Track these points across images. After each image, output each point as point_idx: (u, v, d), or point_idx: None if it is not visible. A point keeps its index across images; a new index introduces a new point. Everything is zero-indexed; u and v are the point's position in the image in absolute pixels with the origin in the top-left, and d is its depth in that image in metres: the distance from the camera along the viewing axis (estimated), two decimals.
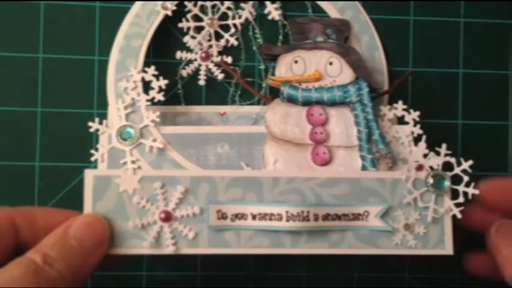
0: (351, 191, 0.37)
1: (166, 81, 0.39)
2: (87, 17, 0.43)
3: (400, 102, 0.40)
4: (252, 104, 0.43)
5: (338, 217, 0.37)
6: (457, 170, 0.38)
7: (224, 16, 0.43)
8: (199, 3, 0.42)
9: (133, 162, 0.38)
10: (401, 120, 0.40)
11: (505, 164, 0.45)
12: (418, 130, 0.39)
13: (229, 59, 0.43)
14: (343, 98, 0.38)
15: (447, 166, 0.38)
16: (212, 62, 0.43)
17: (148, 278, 0.43)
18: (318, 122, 0.39)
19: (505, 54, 0.46)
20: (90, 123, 0.38)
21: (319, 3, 0.43)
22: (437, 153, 0.38)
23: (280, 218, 0.36)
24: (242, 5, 0.43)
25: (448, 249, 0.37)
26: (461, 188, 0.37)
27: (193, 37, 0.43)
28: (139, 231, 0.36)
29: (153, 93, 0.39)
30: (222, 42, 0.43)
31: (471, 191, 0.37)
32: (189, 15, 0.42)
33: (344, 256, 0.37)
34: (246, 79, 0.43)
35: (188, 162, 0.38)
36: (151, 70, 0.39)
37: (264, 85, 0.43)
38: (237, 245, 0.36)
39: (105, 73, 0.42)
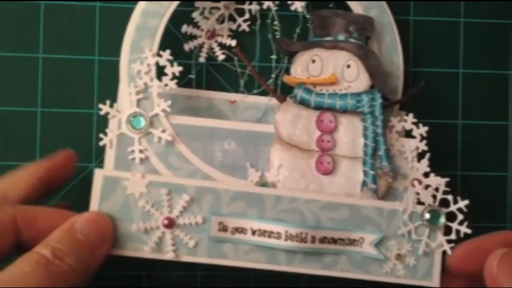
0: (349, 217, 0.38)
1: (180, 68, 0.39)
2: (87, 17, 0.43)
3: (411, 115, 0.40)
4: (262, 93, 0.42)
5: (334, 241, 0.37)
6: (452, 208, 0.38)
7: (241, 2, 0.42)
8: None
9: (141, 151, 0.38)
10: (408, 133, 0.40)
11: (505, 164, 0.46)
12: (423, 146, 0.39)
13: (233, 42, 0.43)
14: (356, 107, 0.38)
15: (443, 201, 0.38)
16: (216, 41, 0.43)
17: (149, 277, 0.43)
18: (326, 129, 0.39)
19: (505, 54, 0.46)
20: (100, 105, 0.38)
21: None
22: (436, 190, 0.38)
23: (279, 236, 0.37)
24: None
25: (435, 282, 0.38)
26: (454, 226, 0.38)
27: (205, 17, 0.42)
28: (141, 235, 0.37)
29: (166, 80, 0.38)
30: (234, 26, 0.43)
31: (464, 229, 0.38)
32: (206, 10, 0.42)
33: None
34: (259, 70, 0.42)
35: (195, 157, 0.38)
36: (166, 55, 0.38)
37: (272, 76, 0.43)
38: (234, 258, 0.37)
39: (105, 73, 0.42)
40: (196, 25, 0.42)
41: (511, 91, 0.46)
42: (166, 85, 0.38)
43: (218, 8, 0.42)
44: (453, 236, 0.38)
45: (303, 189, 0.38)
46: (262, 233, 0.37)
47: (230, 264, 0.37)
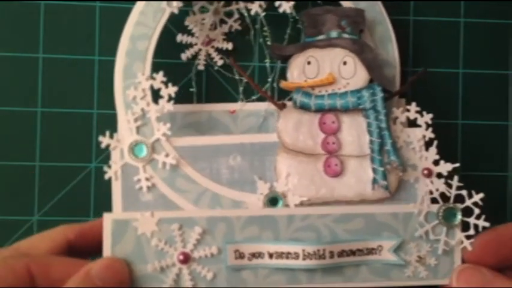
0: (365, 226, 0.37)
1: (175, 88, 0.38)
2: (87, 17, 0.43)
3: (414, 104, 0.39)
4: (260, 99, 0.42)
5: (353, 252, 0.37)
6: (468, 203, 0.37)
7: (228, 3, 0.42)
8: None
9: (147, 179, 0.37)
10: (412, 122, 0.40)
11: (505, 164, 0.45)
12: (430, 134, 0.39)
13: (230, 45, 0.42)
14: (357, 104, 0.38)
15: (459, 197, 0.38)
16: (213, 47, 0.42)
17: None
18: (330, 131, 0.38)
19: (505, 54, 0.46)
20: (100, 138, 0.38)
21: None
22: (449, 186, 0.38)
23: (296, 256, 0.36)
24: None
25: None
26: (472, 221, 0.37)
27: (199, 24, 0.42)
28: (158, 274, 0.36)
29: (162, 102, 0.38)
30: (225, 28, 0.42)
31: (482, 223, 0.37)
32: (195, 8, 0.42)
33: None
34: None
35: (202, 177, 0.38)
36: (160, 77, 0.38)
37: (269, 80, 0.43)
38: (255, 283, 0.37)
39: (105, 73, 0.42)
40: (190, 33, 0.42)
41: (511, 91, 0.46)
42: (163, 108, 0.38)
43: (207, 11, 0.42)
44: (472, 232, 0.37)
45: (313, 195, 0.38)
46: (280, 255, 0.36)
47: None
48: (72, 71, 0.43)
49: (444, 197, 0.38)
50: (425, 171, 0.38)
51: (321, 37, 0.39)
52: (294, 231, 0.37)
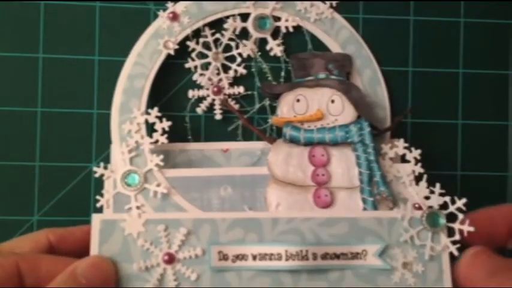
0: (349, 231, 0.38)
1: (169, 123, 0.39)
2: (87, 17, 0.43)
3: (402, 140, 0.40)
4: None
5: (337, 256, 0.37)
6: (451, 209, 0.38)
7: (228, 48, 0.43)
8: (201, 40, 0.42)
9: (138, 207, 0.38)
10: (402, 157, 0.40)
11: (505, 164, 0.45)
12: (419, 169, 0.39)
13: (241, 89, 0.43)
14: (345, 138, 0.39)
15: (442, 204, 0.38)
16: (225, 94, 0.43)
17: None
18: (320, 163, 0.39)
19: (505, 54, 0.46)
20: (94, 169, 0.39)
21: (321, 39, 0.42)
22: (432, 192, 0.38)
23: (279, 257, 0.37)
24: (244, 41, 0.42)
25: (447, 285, 0.37)
26: (456, 226, 0.37)
27: (202, 74, 0.42)
28: (143, 273, 0.37)
29: (156, 136, 0.39)
30: (231, 73, 0.43)
31: (466, 228, 0.37)
32: (193, 54, 0.42)
33: None
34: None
35: (192, 207, 0.38)
36: (155, 112, 0.39)
37: (269, 121, 0.43)
38: (239, 285, 0.37)
39: (105, 73, 0.42)
40: (199, 86, 0.43)
41: (511, 91, 0.46)
42: (157, 141, 0.39)
43: (209, 63, 0.42)
44: (457, 237, 0.37)
45: None
46: (263, 256, 0.37)
47: None
48: (72, 71, 0.43)
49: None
50: (416, 205, 0.38)
51: (309, 78, 0.41)
52: (278, 234, 0.37)
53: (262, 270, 0.37)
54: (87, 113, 0.43)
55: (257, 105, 0.43)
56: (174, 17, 0.41)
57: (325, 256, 0.37)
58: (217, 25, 0.42)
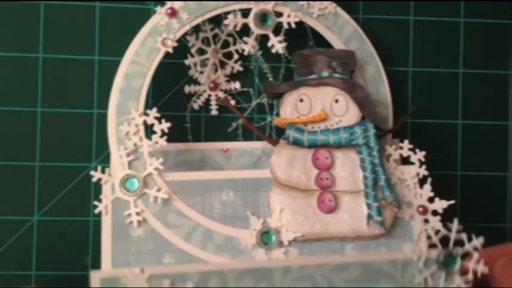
0: (362, 274, 0.37)
1: (168, 124, 0.38)
2: (87, 17, 0.43)
3: (406, 141, 0.39)
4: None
5: None
6: (468, 247, 0.37)
7: (226, 44, 0.43)
8: (201, 35, 0.42)
9: (137, 213, 0.37)
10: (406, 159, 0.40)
11: (505, 164, 0.45)
12: (423, 171, 0.39)
13: (237, 84, 0.43)
14: (350, 140, 0.38)
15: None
16: (221, 90, 0.43)
17: None
18: (323, 167, 0.38)
19: (505, 54, 0.46)
20: (92, 173, 0.38)
21: (324, 35, 0.41)
22: (449, 230, 0.37)
23: None
24: (245, 38, 0.41)
25: None
26: (471, 265, 0.37)
27: (201, 72, 0.42)
28: None
29: (155, 137, 0.38)
30: (228, 69, 0.43)
31: (481, 268, 0.37)
32: (193, 50, 0.42)
33: None
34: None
35: (194, 212, 0.38)
36: (153, 113, 0.38)
37: (268, 119, 0.43)
38: None
39: (105, 73, 0.42)
40: (196, 82, 0.42)
41: (511, 91, 0.46)
42: (156, 143, 0.38)
43: (207, 59, 0.42)
44: (470, 276, 0.36)
45: (307, 230, 0.37)
46: None
47: None
48: (72, 71, 0.43)
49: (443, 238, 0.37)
50: (421, 209, 0.38)
51: (312, 76, 0.40)
52: (290, 281, 0.36)
53: None
54: (87, 113, 0.43)
55: (254, 102, 0.43)
56: (173, 13, 0.39)
57: None
58: (216, 20, 0.42)
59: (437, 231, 0.37)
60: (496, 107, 0.46)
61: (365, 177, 0.38)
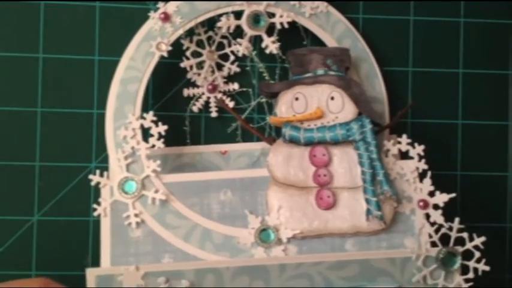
0: (360, 272, 0.36)
1: (165, 127, 0.39)
2: (87, 17, 0.43)
3: (404, 136, 0.39)
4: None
5: None
6: (468, 246, 0.37)
7: (221, 46, 0.43)
8: (195, 38, 0.42)
9: (136, 215, 0.38)
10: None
11: (505, 164, 0.45)
12: (423, 165, 0.38)
13: (235, 85, 0.43)
14: (346, 136, 0.38)
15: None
16: (220, 92, 0.43)
17: None
18: (321, 163, 0.38)
19: (505, 54, 0.46)
20: (90, 176, 0.38)
21: (317, 34, 0.42)
22: (450, 229, 0.37)
23: None
24: (238, 40, 0.42)
25: None
26: (471, 264, 0.37)
27: (198, 74, 0.42)
28: None
29: (153, 140, 0.39)
30: (225, 71, 0.43)
31: (482, 267, 0.36)
32: (188, 53, 0.42)
33: None
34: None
35: (192, 213, 0.38)
36: (150, 116, 0.39)
37: (266, 119, 0.43)
38: None
39: (105, 73, 0.42)
40: (195, 85, 0.42)
41: (511, 91, 0.46)
42: (153, 146, 0.38)
43: (203, 61, 0.42)
44: (471, 275, 0.36)
45: (306, 227, 0.37)
46: None
47: None
48: (72, 71, 0.43)
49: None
50: (421, 203, 0.38)
51: (307, 75, 0.40)
52: (286, 279, 0.36)
53: None
54: (87, 113, 0.43)
55: (253, 103, 0.43)
56: (166, 17, 0.40)
57: None
58: (209, 23, 0.42)
59: (438, 228, 0.37)
60: (496, 107, 0.46)
61: (363, 173, 0.38)
